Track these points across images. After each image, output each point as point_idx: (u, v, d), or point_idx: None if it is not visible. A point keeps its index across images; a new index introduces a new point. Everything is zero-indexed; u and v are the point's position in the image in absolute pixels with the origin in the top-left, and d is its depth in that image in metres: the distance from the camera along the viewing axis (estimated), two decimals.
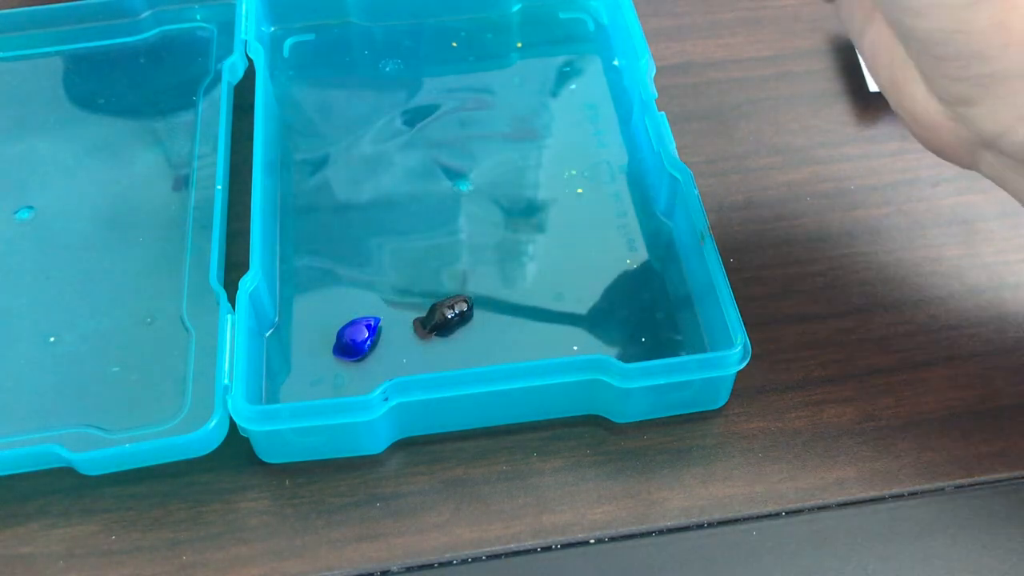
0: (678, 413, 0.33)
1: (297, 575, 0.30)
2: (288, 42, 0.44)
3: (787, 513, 0.31)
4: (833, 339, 0.35)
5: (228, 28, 0.43)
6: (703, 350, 0.34)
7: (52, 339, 0.34)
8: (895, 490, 0.31)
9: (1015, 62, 0.23)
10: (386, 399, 0.31)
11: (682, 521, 0.31)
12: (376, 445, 0.32)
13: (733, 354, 0.31)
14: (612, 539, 0.30)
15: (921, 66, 0.26)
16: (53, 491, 0.31)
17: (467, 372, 0.31)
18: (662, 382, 0.31)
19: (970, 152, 0.27)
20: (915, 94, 0.27)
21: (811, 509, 0.31)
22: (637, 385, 0.31)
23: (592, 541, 0.30)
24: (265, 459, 0.32)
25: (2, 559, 0.30)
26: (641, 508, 0.31)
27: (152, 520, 0.31)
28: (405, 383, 0.31)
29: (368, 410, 0.30)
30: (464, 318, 0.34)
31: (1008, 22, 0.23)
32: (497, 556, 0.30)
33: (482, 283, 0.36)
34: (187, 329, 0.34)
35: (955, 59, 0.25)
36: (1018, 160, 0.26)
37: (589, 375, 0.31)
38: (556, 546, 0.30)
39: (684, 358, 0.31)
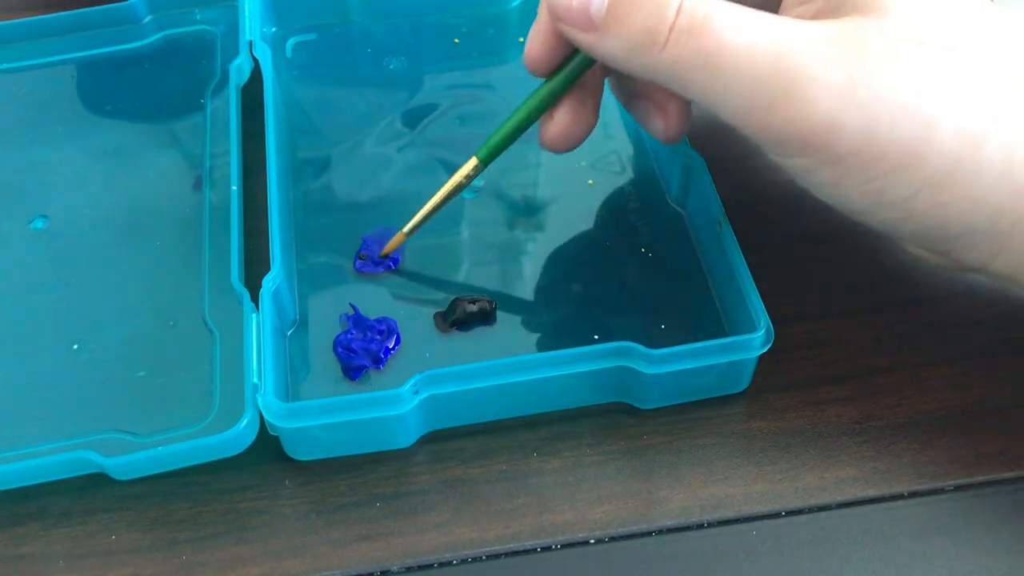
0: (702, 398, 0.33)
1: (297, 575, 0.30)
2: (290, 42, 0.44)
3: (787, 513, 0.31)
4: (833, 339, 0.35)
5: (232, 30, 0.43)
6: (723, 335, 0.34)
7: (75, 347, 0.34)
8: (895, 490, 0.31)
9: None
10: (416, 392, 0.31)
11: (682, 521, 0.31)
12: (406, 439, 0.32)
13: (757, 337, 0.31)
14: (612, 539, 0.30)
15: None
16: (53, 491, 0.31)
17: (497, 363, 0.31)
18: (688, 367, 0.31)
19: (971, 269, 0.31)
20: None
21: (811, 509, 0.31)
22: (663, 370, 0.31)
23: (592, 541, 0.30)
24: (294, 456, 0.32)
25: (2, 559, 0.30)
26: (641, 508, 0.31)
27: (152, 520, 0.31)
28: (435, 375, 0.31)
29: (399, 404, 0.30)
30: (486, 317, 0.34)
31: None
32: (497, 556, 0.30)
33: (498, 277, 0.36)
34: (210, 330, 0.34)
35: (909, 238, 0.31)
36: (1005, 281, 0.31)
37: (616, 362, 0.31)
38: (556, 546, 0.30)
39: (709, 342, 0.31)
